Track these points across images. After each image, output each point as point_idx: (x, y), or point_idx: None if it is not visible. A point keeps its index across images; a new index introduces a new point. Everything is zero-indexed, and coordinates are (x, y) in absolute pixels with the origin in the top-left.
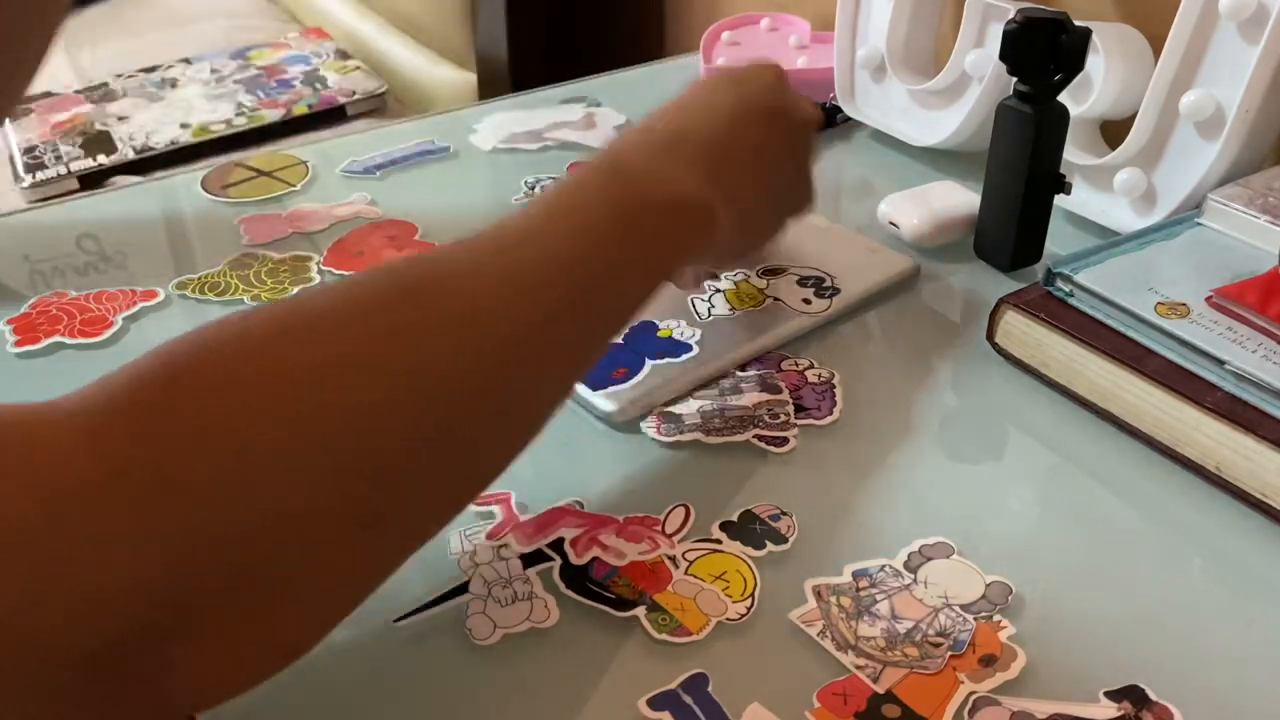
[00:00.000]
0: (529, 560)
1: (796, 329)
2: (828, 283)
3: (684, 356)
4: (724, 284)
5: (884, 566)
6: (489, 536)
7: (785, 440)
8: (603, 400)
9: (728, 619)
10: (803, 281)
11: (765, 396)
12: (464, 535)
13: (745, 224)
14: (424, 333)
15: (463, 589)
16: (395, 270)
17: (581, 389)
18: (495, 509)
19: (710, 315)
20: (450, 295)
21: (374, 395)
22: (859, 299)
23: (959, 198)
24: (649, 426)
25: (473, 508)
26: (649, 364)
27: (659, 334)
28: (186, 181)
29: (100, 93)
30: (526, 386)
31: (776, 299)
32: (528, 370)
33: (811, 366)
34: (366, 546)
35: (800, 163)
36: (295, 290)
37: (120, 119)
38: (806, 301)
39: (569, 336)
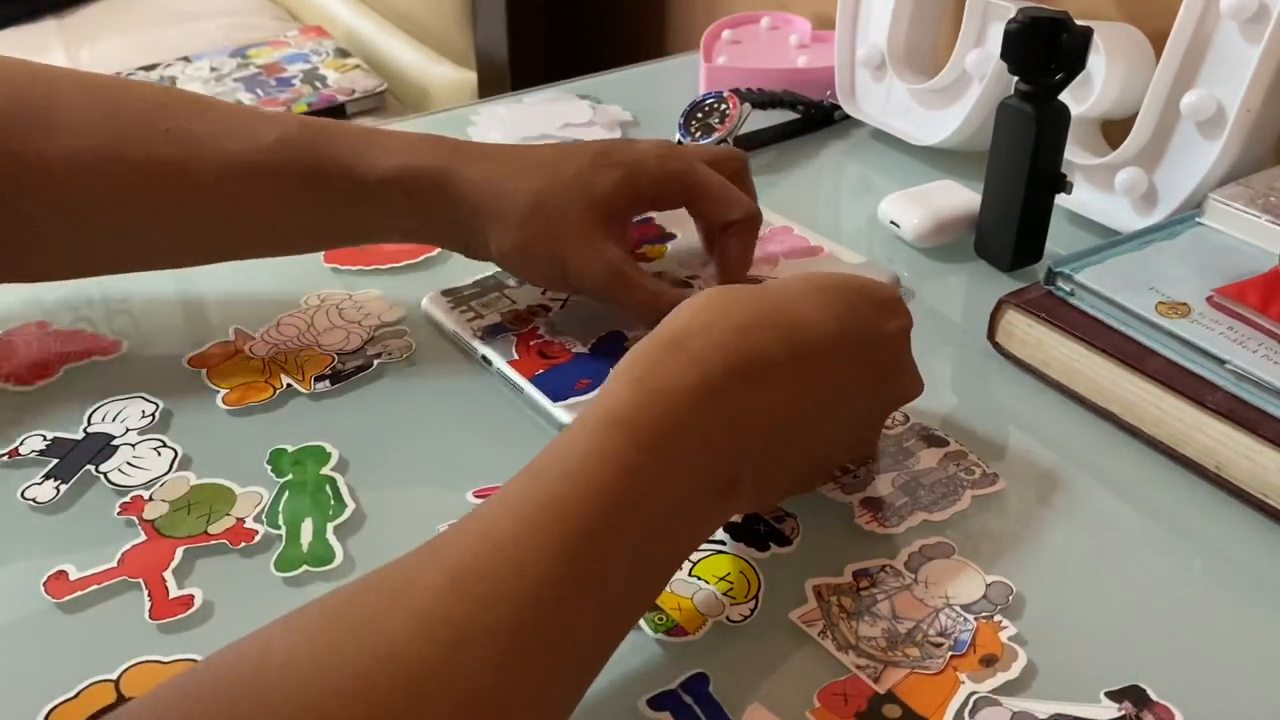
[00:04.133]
0: None
1: None
2: None
3: None
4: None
5: (884, 566)
6: None
7: None
8: (563, 412)
9: (729, 619)
10: None
11: None
12: None
13: (784, 484)
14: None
15: None
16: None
17: (543, 400)
18: None
19: None
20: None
21: None
22: None
23: (959, 197)
24: None
25: (473, 500)
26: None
27: (626, 344)
28: None
29: None
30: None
31: None
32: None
33: None
34: None
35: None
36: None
37: None
38: None
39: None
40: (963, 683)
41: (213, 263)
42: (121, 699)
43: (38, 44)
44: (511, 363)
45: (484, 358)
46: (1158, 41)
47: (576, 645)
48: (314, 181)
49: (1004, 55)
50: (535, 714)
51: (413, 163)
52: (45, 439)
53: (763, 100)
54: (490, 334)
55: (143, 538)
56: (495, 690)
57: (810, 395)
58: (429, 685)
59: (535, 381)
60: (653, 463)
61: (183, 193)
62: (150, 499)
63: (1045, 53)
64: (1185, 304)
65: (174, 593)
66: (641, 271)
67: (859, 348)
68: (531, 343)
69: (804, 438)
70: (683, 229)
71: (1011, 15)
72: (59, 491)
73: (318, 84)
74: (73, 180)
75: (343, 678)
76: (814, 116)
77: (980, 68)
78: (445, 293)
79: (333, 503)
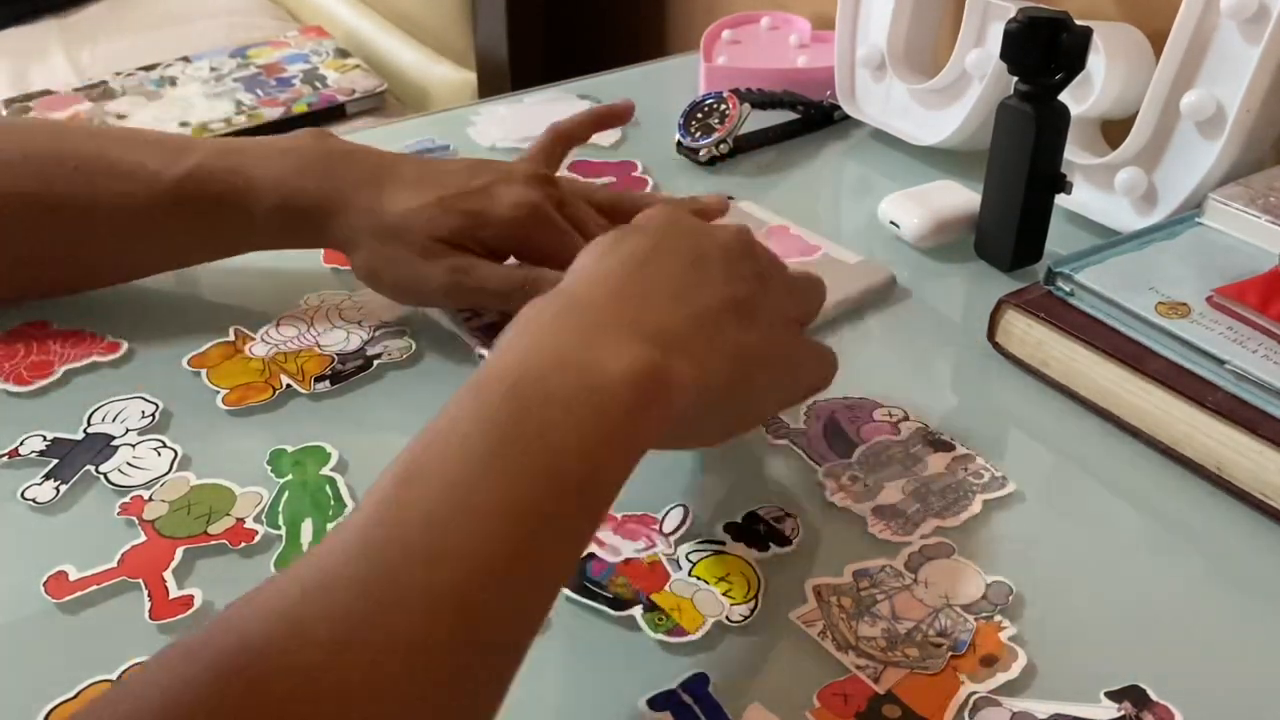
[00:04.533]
0: None
1: None
2: None
3: None
4: None
5: (884, 566)
6: None
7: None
8: None
9: (729, 620)
10: None
11: None
12: None
13: (727, 393)
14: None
15: None
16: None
17: None
18: None
19: None
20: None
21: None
22: (832, 310)
23: (959, 197)
24: None
25: None
26: None
27: None
28: None
29: (99, 91)
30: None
31: None
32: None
33: None
34: None
35: (779, 317)
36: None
37: (119, 117)
38: None
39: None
40: (963, 683)
41: (106, 286)
42: None
43: (38, 44)
44: None
45: (481, 356)
46: (1158, 41)
47: (476, 611)
48: (206, 218)
49: (1004, 55)
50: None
51: (297, 195)
52: (45, 439)
53: (763, 100)
54: (487, 333)
55: (143, 538)
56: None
57: (720, 302)
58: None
59: None
60: (509, 396)
61: (81, 226)
62: (150, 499)
63: (1045, 53)
64: (1185, 304)
65: (174, 593)
66: (486, 263)
67: (756, 285)
68: None
69: (725, 327)
70: None
71: (1011, 15)
72: (59, 492)
73: (318, 84)
74: None
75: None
76: (814, 116)
77: (980, 68)
78: None
79: (333, 503)
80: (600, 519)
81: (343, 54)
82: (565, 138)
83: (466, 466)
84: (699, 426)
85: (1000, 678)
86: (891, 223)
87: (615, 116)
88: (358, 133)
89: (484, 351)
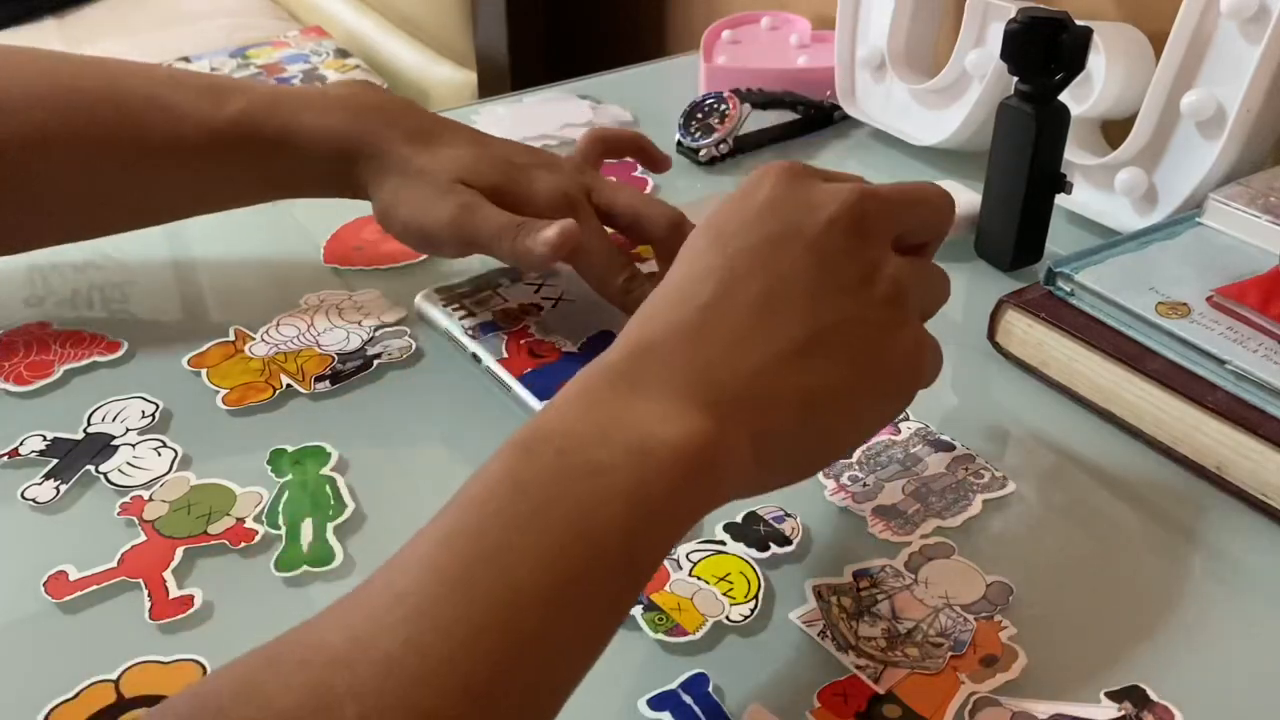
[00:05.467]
0: None
1: None
2: None
3: None
4: None
5: (884, 566)
6: None
7: None
8: None
9: (729, 620)
10: None
11: None
12: None
13: (800, 450)
14: None
15: None
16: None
17: (530, 399)
18: None
19: None
20: None
21: None
22: None
23: (960, 197)
24: None
25: None
26: None
27: None
28: None
29: None
30: None
31: None
32: None
33: None
34: None
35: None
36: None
37: None
38: None
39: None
40: (963, 683)
41: (160, 224)
42: (121, 699)
43: (37, 44)
44: (500, 361)
45: (474, 355)
46: (1158, 41)
47: (506, 690)
48: (257, 162)
49: (1004, 55)
50: None
51: (347, 142)
52: (45, 439)
53: (763, 100)
54: (481, 332)
55: (143, 538)
56: None
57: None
58: None
59: (523, 380)
60: (553, 463)
61: (134, 163)
62: (150, 499)
63: (1045, 53)
64: (1185, 304)
65: (174, 593)
66: (493, 207)
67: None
68: (522, 341)
69: (811, 380)
70: None
71: (1011, 15)
72: (59, 491)
73: (318, 84)
74: (23, 157)
75: None
76: (814, 116)
77: (980, 68)
78: (438, 290)
79: (333, 503)
80: (641, 588)
81: (343, 54)
82: (605, 143)
83: (506, 535)
84: (769, 475)
85: (1000, 678)
86: None
87: (653, 160)
88: None
89: (476, 349)
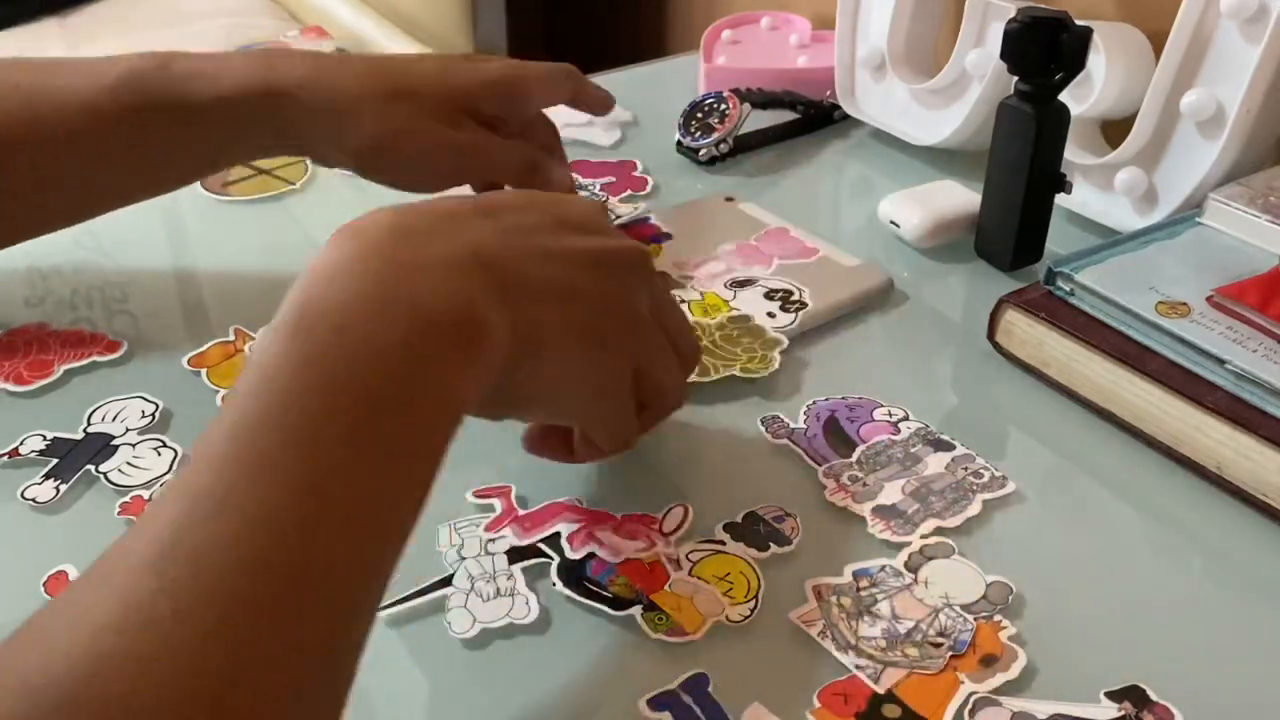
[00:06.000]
0: (517, 556)
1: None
2: (795, 296)
3: None
4: (690, 294)
5: (884, 566)
6: (488, 528)
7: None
8: None
9: (729, 620)
10: (770, 295)
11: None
12: (454, 528)
13: (561, 366)
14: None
15: (447, 581)
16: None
17: None
18: (495, 502)
19: None
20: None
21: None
22: (826, 314)
23: (959, 197)
24: None
25: (472, 500)
26: None
27: None
28: None
29: None
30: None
31: (741, 312)
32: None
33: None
34: None
35: (641, 318)
36: None
37: None
38: (771, 315)
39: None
40: (963, 683)
41: (90, 217)
42: None
43: (38, 44)
44: None
45: None
46: (1158, 41)
47: (323, 571)
48: (158, 113)
49: (1004, 55)
50: (299, 669)
51: (250, 80)
52: (45, 439)
53: (763, 100)
54: None
55: None
56: (226, 658)
57: (560, 281)
58: (144, 675)
59: None
60: (330, 335)
61: (37, 147)
62: (150, 499)
63: (1045, 53)
64: (1185, 304)
65: None
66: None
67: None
68: None
69: (569, 308)
70: (681, 229)
71: (1011, 15)
72: (59, 491)
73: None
74: None
75: (55, 683)
76: (814, 116)
77: (980, 68)
78: None
79: None
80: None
81: (343, 54)
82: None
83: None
84: (523, 379)
85: (1000, 678)
86: (891, 223)
87: (595, 102)
88: None
89: None
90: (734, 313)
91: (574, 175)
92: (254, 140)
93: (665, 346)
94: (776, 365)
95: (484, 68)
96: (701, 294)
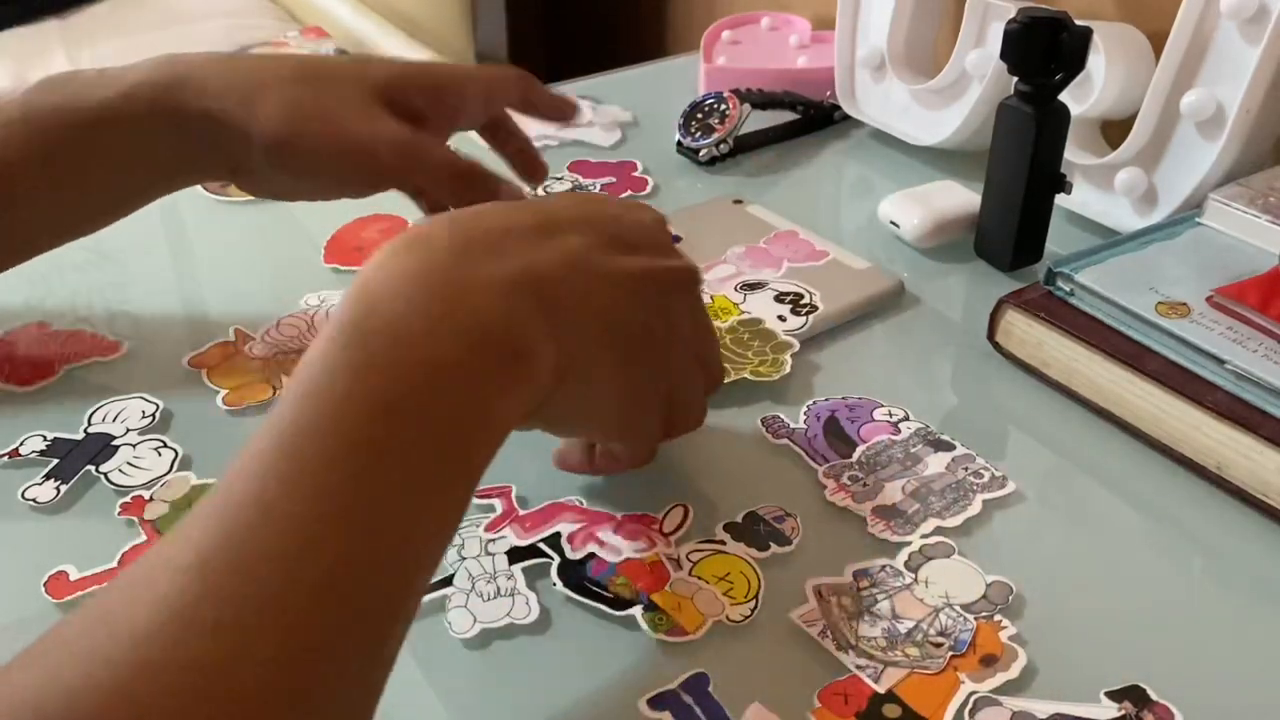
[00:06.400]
0: (518, 556)
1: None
2: (806, 299)
3: None
4: None
5: (884, 566)
6: (488, 528)
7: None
8: None
9: (729, 619)
10: (780, 298)
11: None
12: None
13: (592, 391)
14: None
15: (447, 581)
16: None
17: None
18: (496, 502)
19: None
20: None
21: None
22: (837, 317)
23: (959, 197)
24: None
25: (473, 500)
26: None
27: None
28: None
29: None
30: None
31: (752, 315)
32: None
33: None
34: None
35: (680, 343)
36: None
37: None
38: (782, 319)
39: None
40: (963, 683)
41: (25, 259)
42: None
43: (38, 45)
44: None
45: None
46: (1158, 41)
47: (364, 584)
48: (65, 129)
49: (1004, 55)
50: (336, 680)
51: (141, 80)
52: (45, 439)
53: (763, 100)
54: None
55: (143, 538)
56: (268, 668)
57: (603, 304)
58: (189, 684)
59: None
60: (386, 351)
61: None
62: (151, 499)
63: (1045, 53)
64: (1185, 304)
65: None
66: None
67: (647, 294)
68: None
69: (606, 331)
70: (690, 232)
71: (1011, 15)
72: (59, 491)
73: None
74: None
75: (98, 690)
76: (814, 117)
77: (980, 68)
78: None
79: None
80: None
81: (343, 54)
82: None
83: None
84: (565, 401)
85: (1000, 677)
86: (891, 223)
87: (550, 108)
88: None
89: None
90: (744, 316)
91: (577, 178)
92: (163, 144)
93: (697, 369)
94: (788, 369)
95: (410, 62)
96: (711, 297)
